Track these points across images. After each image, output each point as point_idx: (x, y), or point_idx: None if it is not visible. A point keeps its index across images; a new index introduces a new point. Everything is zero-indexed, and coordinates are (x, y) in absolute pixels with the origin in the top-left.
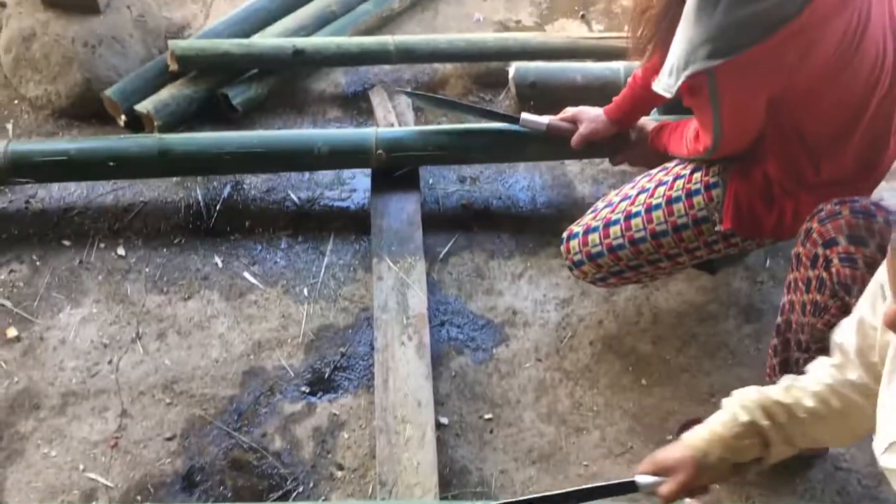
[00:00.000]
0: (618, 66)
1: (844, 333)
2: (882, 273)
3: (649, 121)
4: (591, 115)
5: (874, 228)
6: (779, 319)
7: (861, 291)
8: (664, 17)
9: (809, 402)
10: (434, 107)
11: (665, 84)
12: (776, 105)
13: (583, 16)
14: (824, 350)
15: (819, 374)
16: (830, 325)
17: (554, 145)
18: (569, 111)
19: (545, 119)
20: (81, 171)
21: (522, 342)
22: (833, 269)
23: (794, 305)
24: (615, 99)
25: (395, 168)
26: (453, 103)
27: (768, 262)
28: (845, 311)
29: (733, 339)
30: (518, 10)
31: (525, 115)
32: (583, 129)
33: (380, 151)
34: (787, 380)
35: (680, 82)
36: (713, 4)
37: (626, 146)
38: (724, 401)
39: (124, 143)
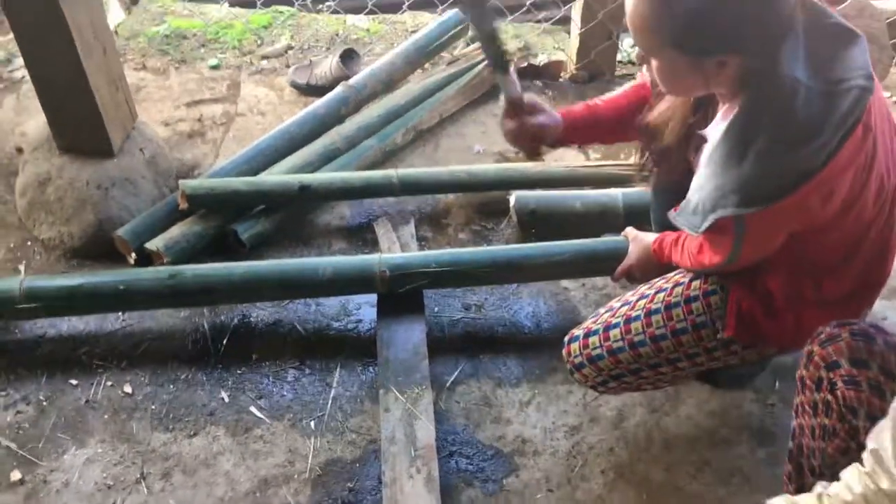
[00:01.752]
0: (616, 192)
1: (879, 438)
2: None
3: (646, 234)
4: (549, 110)
5: (875, 351)
6: (790, 444)
7: (867, 414)
8: (675, 148)
9: None
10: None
11: (689, 222)
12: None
13: (579, 145)
14: (837, 476)
15: (851, 482)
16: (841, 450)
17: (560, 265)
18: (536, 100)
19: (518, 90)
20: (92, 302)
21: (533, 472)
22: (838, 392)
23: (803, 429)
24: (572, 111)
25: (398, 289)
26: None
27: (777, 384)
28: (853, 434)
29: (748, 465)
30: None
31: (511, 72)
32: (534, 119)
33: (383, 270)
34: (819, 487)
35: (707, 224)
36: (741, 153)
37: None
38: None
39: (134, 274)
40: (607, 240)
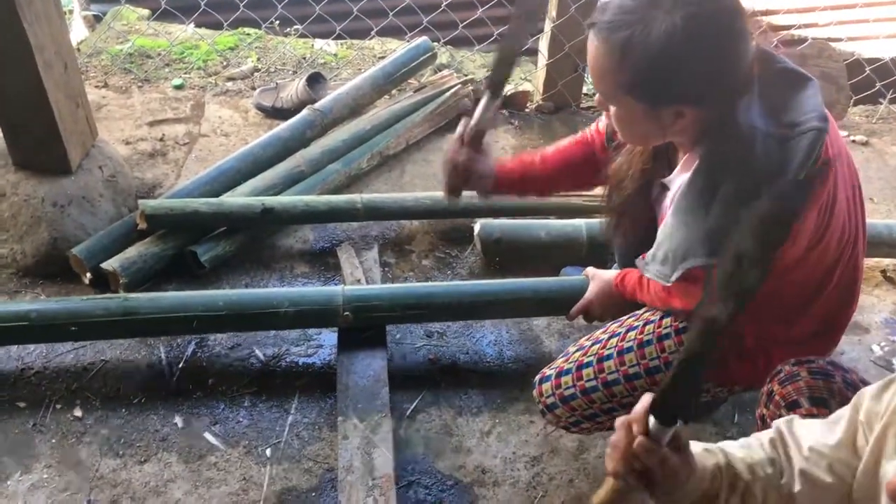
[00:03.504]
0: (580, 223)
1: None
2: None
3: (606, 271)
4: (490, 160)
5: (834, 389)
6: None
7: None
8: (637, 197)
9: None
10: None
11: (659, 271)
12: None
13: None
14: None
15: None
16: None
17: (520, 304)
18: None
19: (493, 123)
20: (42, 335)
21: (492, 503)
22: None
23: None
24: (514, 160)
25: (361, 327)
26: None
27: (737, 416)
28: None
29: None
30: None
31: (495, 103)
32: (474, 161)
33: (346, 313)
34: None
35: (678, 274)
36: (707, 203)
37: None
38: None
39: (87, 304)
40: (568, 279)
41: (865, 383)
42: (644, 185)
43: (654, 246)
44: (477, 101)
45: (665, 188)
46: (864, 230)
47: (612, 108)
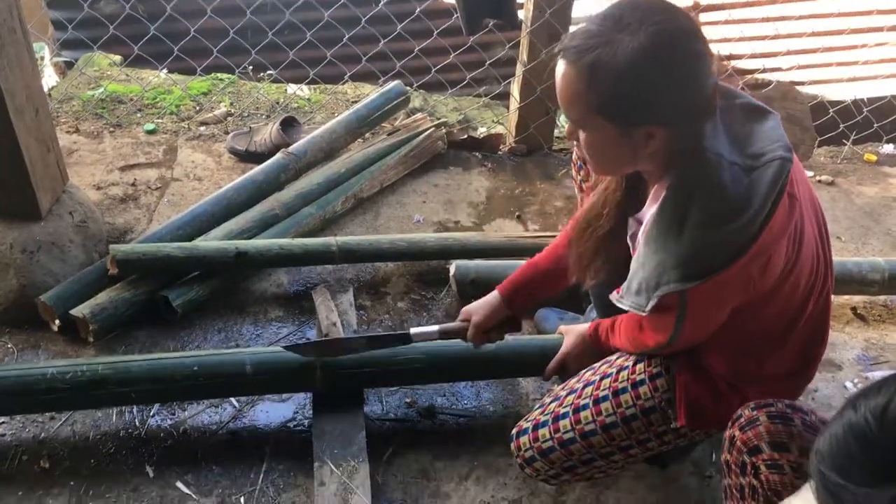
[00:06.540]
0: None
1: None
2: None
3: (577, 326)
4: (480, 304)
5: (794, 433)
6: None
7: (790, 494)
8: (611, 235)
9: None
10: (319, 354)
11: (634, 302)
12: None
13: (518, 216)
14: None
15: None
16: None
17: (502, 364)
18: (462, 312)
19: (434, 327)
20: (3, 405)
21: None
22: (762, 477)
23: None
24: (509, 277)
25: (336, 389)
26: (338, 342)
27: (714, 456)
28: None
29: None
30: (457, 211)
31: (413, 330)
32: (475, 318)
33: (323, 380)
34: None
35: (653, 303)
36: (677, 230)
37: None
38: None
39: (52, 372)
40: (542, 338)
41: (825, 423)
42: (619, 222)
43: (629, 278)
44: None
45: (639, 223)
46: (832, 266)
47: (583, 135)
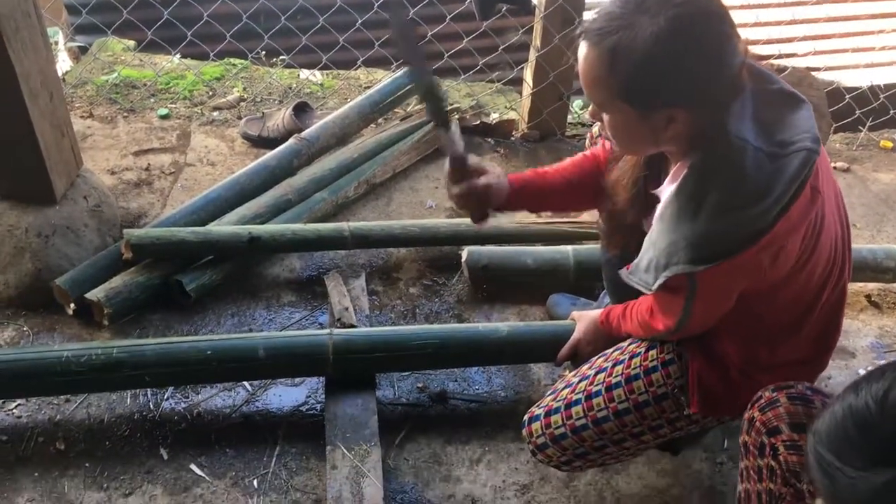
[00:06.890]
0: (566, 249)
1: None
2: None
3: (589, 312)
4: (496, 172)
5: (813, 414)
6: None
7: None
8: (630, 207)
9: None
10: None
11: (642, 279)
12: (738, 296)
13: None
14: None
15: None
16: None
17: (515, 351)
18: (481, 162)
19: (461, 148)
20: (20, 388)
21: None
22: (781, 458)
23: (749, 494)
24: (527, 172)
25: (348, 374)
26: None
27: (726, 442)
28: (799, 497)
29: None
30: None
31: (454, 130)
32: (482, 180)
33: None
34: None
35: (660, 282)
36: (693, 211)
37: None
38: None
39: (67, 355)
40: (555, 324)
41: None
42: (636, 197)
43: (640, 254)
44: (443, 139)
45: (656, 200)
46: (850, 257)
47: (606, 117)
